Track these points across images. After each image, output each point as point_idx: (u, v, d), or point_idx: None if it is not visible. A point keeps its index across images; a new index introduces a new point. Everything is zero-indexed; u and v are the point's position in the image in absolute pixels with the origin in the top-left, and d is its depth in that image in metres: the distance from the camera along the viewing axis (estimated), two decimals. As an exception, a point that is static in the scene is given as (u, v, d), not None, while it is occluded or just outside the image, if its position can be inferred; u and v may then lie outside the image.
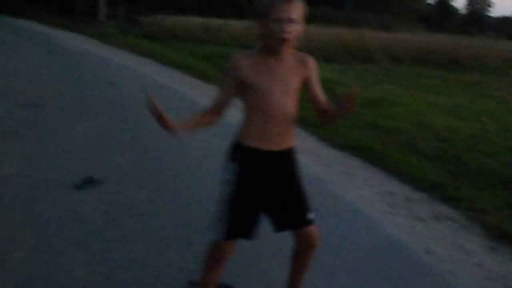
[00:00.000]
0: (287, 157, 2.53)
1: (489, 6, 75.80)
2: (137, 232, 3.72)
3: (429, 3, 70.09)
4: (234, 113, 2.53)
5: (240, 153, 2.48)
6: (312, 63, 2.48)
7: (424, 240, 3.94)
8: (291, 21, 2.26)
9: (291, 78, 2.42)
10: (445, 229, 4.18)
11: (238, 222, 2.50)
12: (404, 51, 19.29)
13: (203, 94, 9.75)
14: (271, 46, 2.35)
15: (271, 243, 3.25)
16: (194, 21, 24.76)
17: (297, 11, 2.28)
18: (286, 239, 2.69)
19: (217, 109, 2.51)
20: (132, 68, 12.85)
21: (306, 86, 2.48)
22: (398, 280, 3.29)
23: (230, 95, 2.48)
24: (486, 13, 75.73)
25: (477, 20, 69.61)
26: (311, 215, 2.57)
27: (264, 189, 2.50)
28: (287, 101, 2.42)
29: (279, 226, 2.58)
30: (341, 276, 3.28)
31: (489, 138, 7.07)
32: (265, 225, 2.59)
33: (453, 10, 71.41)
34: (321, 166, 5.57)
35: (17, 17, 31.89)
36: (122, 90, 9.50)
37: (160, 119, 2.40)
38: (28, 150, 5.49)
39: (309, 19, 2.43)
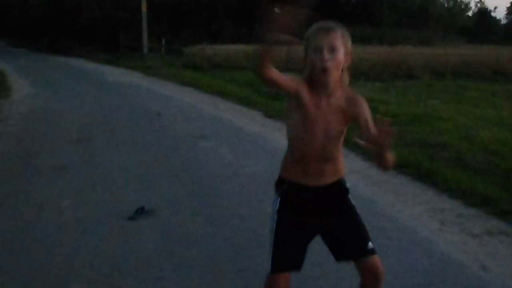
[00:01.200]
0: (333, 191, 2.48)
1: (532, 14, 73.99)
2: (190, 261, 3.78)
3: (468, 15, 69.05)
4: (279, 139, 2.57)
5: (283, 186, 2.49)
6: (363, 101, 2.39)
7: (478, 256, 3.87)
8: (331, 49, 2.25)
9: (337, 122, 2.35)
10: (499, 244, 4.10)
11: (283, 252, 2.44)
12: (446, 65, 19.07)
13: (247, 119, 9.86)
14: (314, 79, 2.31)
15: (327, 268, 3.26)
16: (235, 49, 25.08)
17: (338, 39, 2.27)
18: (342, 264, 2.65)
19: (274, 73, 2.22)
20: (176, 98, 13.09)
21: (358, 125, 2.33)
22: (454, 298, 3.25)
23: (288, 81, 2.30)
24: (528, 22, 74.02)
25: (519, 29, 68.13)
26: (371, 245, 2.45)
27: (311, 219, 2.47)
28: (328, 144, 2.37)
29: (339, 257, 2.53)
30: (396, 296, 3.25)
31: (540, 149, 6.90)
32: (319, 244, 2.59)
33: (494, 20, 70.12)
34: (369, 186, 5.55)
35: (65, 55, 32.99)
36: (169, 120, 9.70)
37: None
38: (81, 184, 5.66)
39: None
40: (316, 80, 2.31)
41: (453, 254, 3.90)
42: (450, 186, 5.42)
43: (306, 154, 2.39)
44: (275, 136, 7.87)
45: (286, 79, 2.28)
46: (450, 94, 13.60)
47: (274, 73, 2.21)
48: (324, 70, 2.26)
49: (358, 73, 16.19)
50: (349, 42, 2.34)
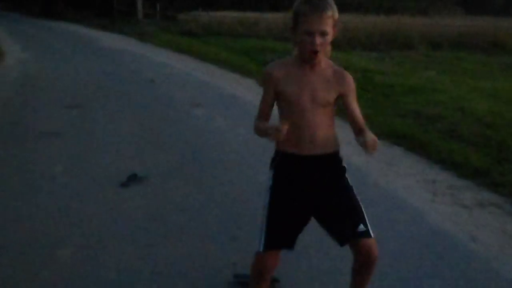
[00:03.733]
0: (327, 163, 2.47)
1: (532, -15, 73.23)
2: (181, 227, 3.80)
3: (468, -14, 68.43)
4: (274, 108, 2.55)
5: (278, 159, 2.48)
6: (349, 80, 2.44)
7: (469, 227, 3.89)
8: (322, 33, 2.28)
9: (323, 89, 2.40)
10: (490, 216, 4.12)
11: (276, 230, 2.44)
12: (443, 36, 18.94)
13: (242, 88, 9.82)
14: (303, 56, 2.37)
15: (316, 234, 3.27)
16: (230, 16, 24.85)
17: (329, 22, 2.29)
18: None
19: (265, 118, 2.51)
20: (170, 65, 12.99)
21: (342, 102, 2.45)
22: (443, 268, 3.27)
23: (270, 104, 2.50)
24: (528, -7, 73.42)
25: (519, 0, 67.56)
26: (362, 227, 2.44)
27: (306, 197, 2.45)
28: (317, 112, 2.39)
29: (338, 240, 2.50)
30: (386, 266, 3.27)
31: (534, 121, 6.90)
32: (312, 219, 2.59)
33: (494, -9, 69.48)
34: (362, 156, 5.52)
35: (58, 20, 32.59)
36: (162, 88, 9.64)
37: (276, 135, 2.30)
38: (74, 150, 5.65)
39: (345, 7, 2.42)
40: (304, 58, 2.37)
41: (443, 225, 3.92)
42: (443, 158, 5.43)
43: (297, 124, 2.38)
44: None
45: (268, 107, 2.50)
46: (446, 66, 13.53)
47: (265, 118, 2.50)
48: (314, 53, 2.31)
49: (354, 42, 16.09)
50: (337, 16, 2.34)
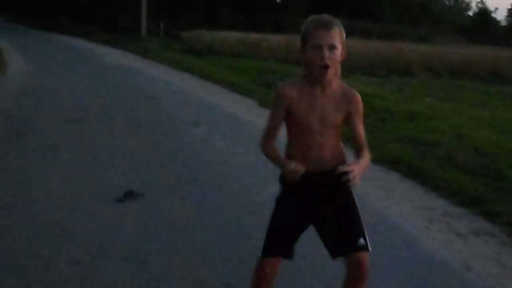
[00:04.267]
0: (333, 179, 2.44)
1: (532, 17, 73.77)
2: (176, 245, 3.79)
3: (469, 15, 68.99)
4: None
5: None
6: (357, 99, 2.49)
7: (463, 256, 3.89)
8: (330, 47, 2.32)
9: (332, 111, 2.44)
10: (485, 245, 4.12)
11: (275, 238, 2.51)
12: (444, 64, 19.07)
13: (242, 107, 9.85)
14: (313, 73, 2.40)
15: (312, 259, 3.28)
16: (233, 36, 25.02)
17: (337, 37, 2.34)
18: (327, 257, 2.66)
19: (273, 138, 2.54)
20: (172, 82, 13.06)
21: (347, 121, 2.50)
22: (436, 296, 3.27)
23: (279, 123, 2.53)
24: (528, 24, 73.84)
25: (519, 31, 68.05)
26: (361, 242, 2.48)
27: (310, 209, 2.51)
28: (326, 132, 2.44)
29: (332, 252, 2.55)
30: (379, 292, 3.27)
31: (531, 152, 6.92)
32: (307, 241, 2.60)
33: (494, 21, 69.99)
34: (359, 180, 5.55)
35: (62, 33, 32.81)
36: (163, 105, 9.68)
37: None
38: (72, 164, 5.66)
39: (347, 32, 2.46)
40: (315, 75, 2.40)
41: (438, 253, 3.92)
42: (439, 185, 5.44)
43: (305, 144, 2.45)
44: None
45: (276, 125, 2.52)
46: (445, 93, 13.61)
47: (273, 137, 2.54)
48: (324, 67, 2.35)
49: (355, 67, 16.17)
50: (344, 37, 2.40)
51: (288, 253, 2.54)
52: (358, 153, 2.51)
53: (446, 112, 9.99)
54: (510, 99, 13.28)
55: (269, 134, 2.55)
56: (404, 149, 6.86)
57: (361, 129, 2.53)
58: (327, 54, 2.32)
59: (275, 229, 2.53)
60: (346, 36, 2.44)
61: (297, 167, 2.35)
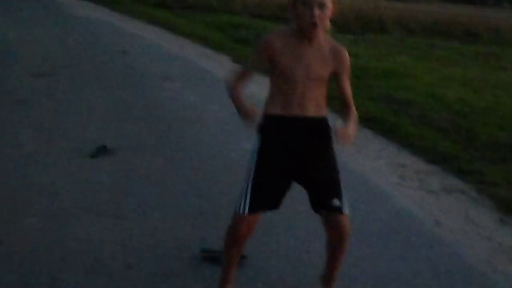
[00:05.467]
0: (315, 127, 2.48)
1: (506, -24, 74.00)
2: (151, 200, 3.78)
3: (445, -27, 68.83)
4: (247, 86, 2.54)
5: (265, 122, 2.47)
6: (345, 57, 2.46)
7: (434, 212, 3.97)
8: (320, 5, 2.27)
9: (318, 65, 2.41)
10: (455, 202, 4.20)
11: (262, 192, 2.45)
12: (419, 22, 19.04)
13: (215, 63, 9.74)
14: (301, 29, 2.36)
15: (286, 215, 3.29)
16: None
17: None
18: (301, 212, 2.68)
19: (242, 80, 2.53)
20: (143, 36, 12.78)
21: (335, 78, 2.48)
22: (407, 250, 3.33)
23: (254, 71, 2.53)
24: (503, -16, 74.17)
25: (494, -10, 68.29)
26: (336, 202, 2.47)
27: (290, 162, 2.47)
28: (310, 85, 2.40)
29: (313, 204, 2.54)
30: (352, 246, 3.30)
31: (502, 111, 7.03)
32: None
33: (470, -20, 70.03)
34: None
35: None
36: (135, 59, 9.49)
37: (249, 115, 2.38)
38: (42, 119, 5.54)
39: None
40: (303, 31, 2.36)
41: (409, 209, 3.98)
42: (412, 142, 5.49)
43: (288, 93, 2.41)
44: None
45: (252, 71, 2.53)
46: (420, 52, 13.62)
47: (243, 82, 2.52)
48: (313, 25, 2.31)
49: (330, 23, 16.02)
50: None
51: (277, 204, 2.52)
52: (345, 111, 2.50)
53: (420, 70, 10.02)
54: (483, 59, 13.36)
55: (240, 75, 2.53)
56: (378, 106, 6.89)
57: (348, 87, 2.52)
58: (316, 12, 2.27)
59: (261, 183, 2.44)
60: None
61: (253, 107, 2.32)
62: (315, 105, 2.44)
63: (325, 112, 2.51)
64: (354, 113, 2.49)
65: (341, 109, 2.54)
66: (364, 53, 11.70)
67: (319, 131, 2.49)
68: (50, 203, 3.64)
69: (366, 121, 6.18)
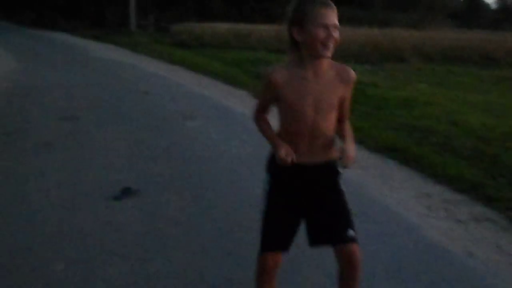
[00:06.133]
0: (323, 170, 2.48)
1: (521, -1, 73.87)
2: (176, 241, 3.76)
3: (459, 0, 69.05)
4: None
5: (274, 164, 2.46)
6: (351, 75, 2.42)
7: (464, 242, 3.88)
8: (335, 27, 2.28)
9: (327, 93, 2.38)
10: (485, 231, 4.11)
11: (272, 232, 2.49)
12: (435, 49, 19.05)
13: (235, 99, 9.80)
14: (310, 54, 2.31)
15: (311, 250, 3.25)
16: (223, 27, 24.89)
17: (336, 17, 2.30)
18: (326, 248, 2.65)
19: (265, 111, 2.57)
20: (163, 76, 12.97)
21: (339, 104, 2.44)
22: (440, 284, 3.26)
23: (268, 104, 2.54)
24: (518, 7, 73.93)
25: (508, 15, 68.22)
26: (351, 233, 2.46)
27: (300, 201, 2.50)
28: (320, 118, 2.38)
29: (315, 240, 2.54)
30: (382, 281, 3.26)
31: (526, 135, 6.93)
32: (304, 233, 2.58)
33: (484, 5, 70.07)
34: (356, 169, 5.53)
35: (50, 29, 32.54)
36: (156, 99, 9.61)
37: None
38: (67, 162, 5.60)
39: (338, 19, 2.39)
40: (315, 53, 2.30)
41: (439, 240, 3.90)
42: (437, 171, 5.43)
43: (297, 131, 2.40)
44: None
45: (266, 105, 2.54)
46: (438, 78, 13.61)
47: (267, 113, 2.57)
48: (328, 47, 2.28)
49: (348, 55, 16.13)
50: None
51: (287, 246, 2.52)
52: (341, 126, 2.49)
53: (440, 97, 9.98)
54: (502, 83, 13.28)
55: (260, 108, 2.55)
56: (400, 136, 6.84)
57: (348, 104, 2.49)
58: (334, 33, 2.27)
59: (269, 224, 2.51)
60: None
61: (288, 152, 2.32)
62: (324, 145, 2.43)
63: (334, 150, 2.48)
64: (350, 128, 2.51)
65: (338, 122, 2.49)
66: (383, 83, 11.71)
67: (327, 174, 2.51)
68: (76, 247, 3.64)
69: (389, 151, 6.16)
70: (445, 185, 5.12)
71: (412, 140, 6.63)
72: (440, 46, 19.57)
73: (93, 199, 4.54)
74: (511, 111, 8.82)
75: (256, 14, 38.40)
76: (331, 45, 2.28)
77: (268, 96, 2.47)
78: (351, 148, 2.38)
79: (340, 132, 2.50)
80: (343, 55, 16.17)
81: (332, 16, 2.27)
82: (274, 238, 2.50)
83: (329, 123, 2.42)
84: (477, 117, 8.09)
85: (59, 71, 13.52)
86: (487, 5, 70.97)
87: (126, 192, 4.65)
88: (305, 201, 2.50)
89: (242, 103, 9.35)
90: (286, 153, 2.32)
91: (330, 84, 2.38)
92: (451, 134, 6.87)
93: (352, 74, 2.43)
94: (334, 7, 2.30)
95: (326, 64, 2.37)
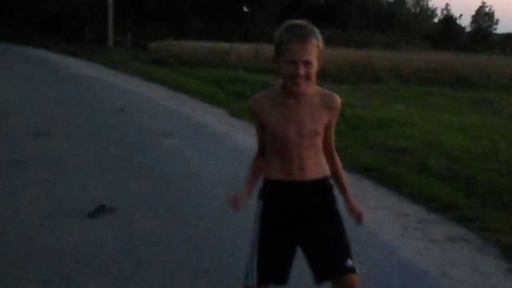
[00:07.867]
0: (317, 189, 2.41)
1: (494, 23, 75.62)
2: (151, 260, 3.71)
3: (435, 22, 70.36)
4: (244, 139, 2.54)
5: (268, 188, 2.42)
6: (337, 103, 2.39)
7: (439, 262, 3.89)
8: (306, 63, 2.21)
9: (309, 120, 2.34)
10: (460, 251, 4.14)
11: (269, 264, 2.37)
12: (412, 70, 19.33)
13: (212, 118, 9.79)
14: (287, 86, 2.29)
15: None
16: (201, 46, 24.96)
17: (313, 51, 2.23)
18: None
19: (264, 151, 2.49)
20: (141, 93, 12.92)
21: (324, 129, 2.40)
22: (415, 304, 3.25)
23: (264, 138, 2.47)
24: (491, 30, 75.65)
25: (483, 37, 69.69)
26: (350, 263, 2.38)
27: (295, 226, 2.39)
28: (305, 143, 2.34)
29: (320, 276, 2.41)
30: (357, 302, 3.24)
31: (500, 156, 7.03)
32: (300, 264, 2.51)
33: (459, 28, 71.50)
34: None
35: (26, 45, 32.27)
36: (132, 116, 9.55)
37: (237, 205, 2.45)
38: (40, 179, 5.51)
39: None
40: (288, 88, 2.29)
41: (414, 260, 3.91)
42: (413, 191, 5.45)
43: (284, 153, 2.36)
44: (240, 135, 7.83)
45: (261, 134, 2.46)
46: (414, 99, 13.76)
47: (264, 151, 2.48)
48: (298, 83, 2.25)
49: (325, 74, 16.24)
50: (322, 45, 2.30)
51: (285, 278, 2.42)
52: (331, 160, 2.47)
53: (416, 118, 10.09)
54: (477, 105, 13.49)
55: (260, 146, 2.50)
56: (376, 156, 6.88)
57: (332, 132, 2.46)
58: (302, 71, 2.21)
59: (267, 255, 2.38)
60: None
61: (233, 203, 2.42)
62: (314, 163, 2.39)
63: (325, 168, 2.45)
64: (344, 173, 2.54)
65: (326, 156, 2.46)
66: (359, 103, 11.80)
67: (321, 193, 2.43)
68: (49, 267, 3.56)
69: (365, 171, 6.19)
70: (421, 205, 5.15)
71: (388, 160, 6.66)
72: (416, 67, 19.87)
73: (67, 217, 4.46)
74: (485, 132, 8.95)
75: (235, 33, 38.61)
76: (301, 81, 2.23)
77: (257, 125, 2.44)
78: (357, 204, 2.47)
79: (339, 186, 2.51)
80: (320, 74, 16.28)
81: (303, 52, 2.20)
82: (271, 270, 2.38)
83: (315, 147, 2.39)
84: (453, 137, 8.19)
85: (34, 86, 13.38)
86: (461, 28, 72.27)
87: (101, 210, 4.58)
88: (300, 225, 2.40)
89: (219, 121, 9.35)
90: (232, 201, 2.41)
91: (314, 110, 2.35)
92: (427, 154, 6.93)
93: (337, 100, 2.39)
94: (311, 38, 2.23)
95: (311, 91, 2.33)
